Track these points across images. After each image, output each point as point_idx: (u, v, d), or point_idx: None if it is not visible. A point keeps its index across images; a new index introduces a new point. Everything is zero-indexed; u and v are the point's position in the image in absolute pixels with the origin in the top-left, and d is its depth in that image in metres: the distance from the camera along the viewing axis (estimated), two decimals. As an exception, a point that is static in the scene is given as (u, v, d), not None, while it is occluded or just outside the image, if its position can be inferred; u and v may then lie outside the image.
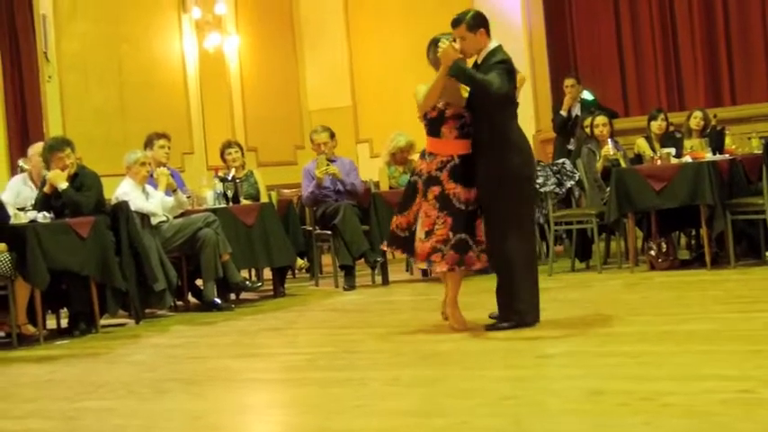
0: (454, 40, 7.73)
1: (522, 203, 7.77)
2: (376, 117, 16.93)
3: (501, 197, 7.64)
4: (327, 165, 11.45)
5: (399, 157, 11.85)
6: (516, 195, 7.69)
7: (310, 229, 11.78)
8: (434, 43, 7.85)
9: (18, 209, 9.58)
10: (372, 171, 13.30)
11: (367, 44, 17.37)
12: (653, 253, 10.64)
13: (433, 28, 15.94)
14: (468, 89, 7.71)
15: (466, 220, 7.65)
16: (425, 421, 5.11)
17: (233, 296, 10.98)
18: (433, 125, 7.84)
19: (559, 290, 9.77)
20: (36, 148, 10.43)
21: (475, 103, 7.73)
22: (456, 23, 7.83)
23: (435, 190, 7.66)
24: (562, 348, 6.79)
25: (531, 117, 16.16)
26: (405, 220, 7.83)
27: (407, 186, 7.99)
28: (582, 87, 13.91)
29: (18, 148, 12.39)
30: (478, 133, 7.75)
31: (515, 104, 7.96)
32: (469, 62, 7.85)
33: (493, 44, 7.83)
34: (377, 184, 12.30)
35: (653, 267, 10.59)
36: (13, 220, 9.25)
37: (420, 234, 7.64)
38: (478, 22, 7.81)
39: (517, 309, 7.64)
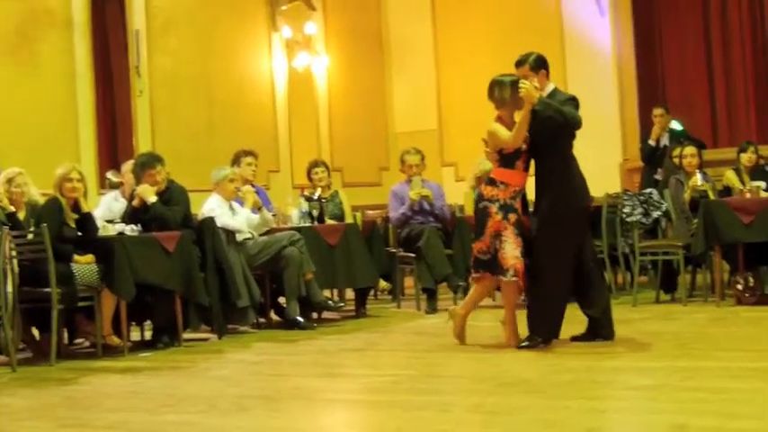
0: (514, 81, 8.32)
1: (575, 236, 8.35)
2: (461, 140, 16.88)
3: (560, 229, 8.22)
4: (422, 188, 11.48)
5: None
6: (573, 229, 8.32)
7: (394, 250, 11.78)
8: (498, 84, 8.40)
9: (106, 221, 9.70)
10: (457, 195, 13.27)
11: (454, 67, 17.36)
12: (739, 287, 10.51)
13: (521, 52, 15.94)
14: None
15: (527, 247, 8.25)
16: (507, 449, 5.08)
17: (315, 315, 11.00)
18: (509, 158, 8.30)
19: (643, 321, 9.67)
20: (129, 165, 10.58)
21: (544, 140, 8.27)
22: (520, 64, 8.44)
23: (513, 217, 8.20)
24: (646, 381, 6.71)
25: (619, 146, 16.07)
26: (483, 244, 8.27)
27: (479, 212, 8.37)
28: (671, 117, 13.79)
29: (108, 162, 12.55)
30: (544, 168, 8.37)
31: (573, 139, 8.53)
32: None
33: (551, 86, 8.41)
34: (461, 208, 12.27)
35: (739, 302, 10.45)
36: (101, 233, 9.37)
37: (515, 253, 8.12)
38: (540, 64, 8.44)
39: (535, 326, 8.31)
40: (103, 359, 9.01)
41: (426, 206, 11.50)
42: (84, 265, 9.11)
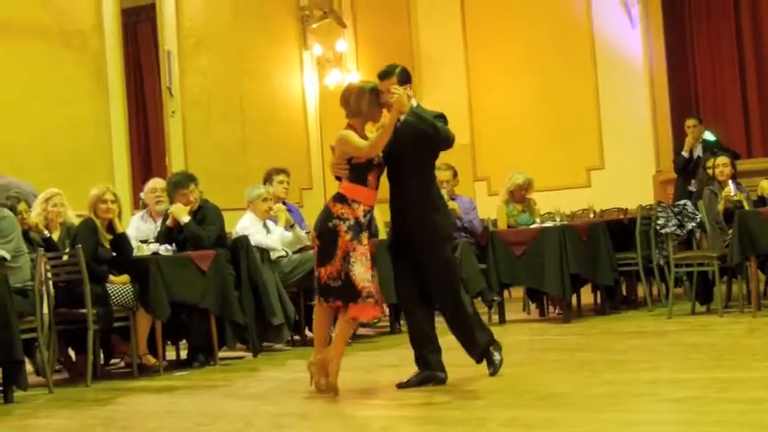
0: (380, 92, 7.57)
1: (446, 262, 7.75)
2: (494, 155, 16.90)
3: (439, 256, 7.63)
4: (448, 201, 11.43)
5: (518, 195, 11.82)
6: (447, 253, 7.75)
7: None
8: (357, 92, 7.60)
9: (141, 241, 9.74)
10: (490, 209, 13.25)
11: (486, 82, 17.36)
12: (776, 297, 10.43)
13: (552, 67, 16.00)
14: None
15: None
16: (544, 463, 5.07)
17: (350, 332, 10.98)
18: (359, 171, 7.48)
19: (680, 333, 9.63)
20: (152, 183, 10.64)
21: (408, 155, 7.52)
22: (386, 75, 7.58)
23: (365, 237, 7.46)
24: (683, 393, 6.67)
25: (652, 157, 16.02)
26: (333, 268, 7.38)
27: (328, 231, 7.43)
28: (704, 128, 13.74)
29: (142, 182, 12.54)
30: (404, 188, 7.57)
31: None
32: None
33: (414, 102, 7.57)
34: (494, 223, 12.26)
35: (776, 312, 10.39)
36: (135, 253, 9.42)
37: (366, 275, 7.39)
38: (407, 77, 7.64)
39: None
40: (139, 379, 9.04)
41: (457, 220, 11.47)
42: (120, 285, 9.16)
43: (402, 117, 7.46)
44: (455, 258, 8.15)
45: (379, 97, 7.52)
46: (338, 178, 7.56)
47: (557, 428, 5.86)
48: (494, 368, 7.66)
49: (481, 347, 7.72)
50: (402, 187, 7.56)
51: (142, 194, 11.11)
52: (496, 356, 7.71)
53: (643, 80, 16.09)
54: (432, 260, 7.56)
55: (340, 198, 7.47)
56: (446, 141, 7.47)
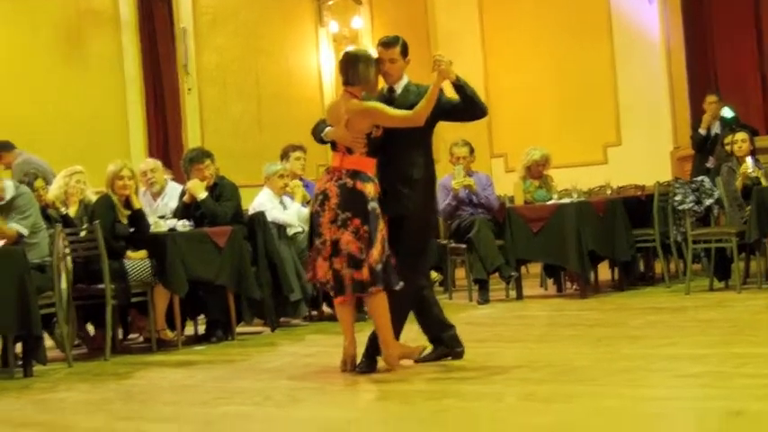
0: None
1: (428, 238, 7.74)
2: (511, 132, 16.88)
3: (427, 232, 7.57)
4: (464, 177, 11.42)
5: (535, 171, 11.80)
6: (429, 231, 7.76)
7: (445, 242, 11.77)
8: (364, 61, 7.30)
9: (158, 217, 9.76)
10: (507, 186, 13.25)
11: (502, 59, 17.33)
12: (794, 273, 10.40)
13: (569, 43, 15.95)
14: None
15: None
16: (562, 437, 5.07)
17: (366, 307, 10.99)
18: (373, 145, 7.24)
19: (697, 309, 9.61)
20: (141, 166, 10.64)
21: (423, 128, 7.27)
22: (390, 45, 7.36)
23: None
24: (701, 368, 6.64)
25: (670, 134, 15.98)
26: (378, 252, 7.06)
27: (373, 216, 7.09)
28: (722, 104, 13.67)
29: (159, 158, 12.57)
30: (410, 165, 7.31)
31: None
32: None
33: (407, 78, 7.44)
34: (511, 199, 12.24)
35: (794, 288, 10.36)
36: (152, 229, 9.44)
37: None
38: (407, 50, 7.43)
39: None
40: (158, 354, 9.08)
41: (473, 197, 11.46)
42: (137, 260, 9.18)
43: (400, 86, 7.36)
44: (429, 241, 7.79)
45: (379, 67, 7.38)
46: (348, 150, 7.23)
47: (574, 403, 5.86)
48: (358, 368, 7.22)
49: (373, 343, 7.30)
50: (404, 161, 7.31)
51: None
52: (368, 365, 7.26)
53: (660, 56, 16.05)
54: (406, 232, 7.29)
55: (365, 177, 7.15)
56: (484, 112, 7.42)
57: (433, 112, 7.17)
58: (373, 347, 7.29)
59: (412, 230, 7.27)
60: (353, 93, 7.28)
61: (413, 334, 7.52)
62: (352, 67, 7.29)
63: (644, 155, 15.76)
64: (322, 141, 7.51)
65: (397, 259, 7.15)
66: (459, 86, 7.26)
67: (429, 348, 7.50)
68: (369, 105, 7.21)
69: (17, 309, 7.99)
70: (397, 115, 7.18)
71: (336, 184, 7.15)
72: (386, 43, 7.39)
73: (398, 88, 7.38)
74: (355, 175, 7.15)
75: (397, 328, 7.32)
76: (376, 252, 7.05)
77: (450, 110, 7.35)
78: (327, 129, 7.37)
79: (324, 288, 7.87)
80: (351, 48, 7.60)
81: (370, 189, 7.14)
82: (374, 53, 7.47)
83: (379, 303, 7.13)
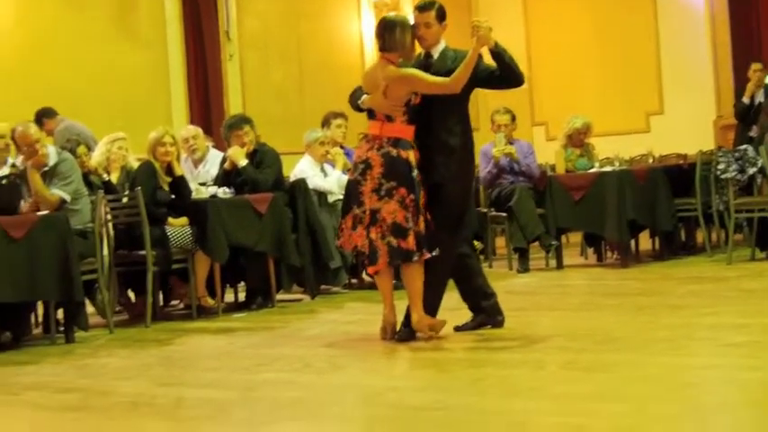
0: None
1: (469, 204, 7.58)
2: (552, 100, 16.80)
3: (465, 200, 7.40)
4: (505, 145, 11.38)
5: (576, 140, 11.73)
6: (469, 196, 7.56)
7: (485, 210, 11.74)
8: (401, 26, 7.19)
9: (199, 184, 9.79)
10: (548, 154, 13.19)
11: (544, 26, 17.23)
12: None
13: (612, 9, 15.82)
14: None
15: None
16: (601, 406, 5.05)
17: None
18: (412, 112, 7.19)
19: (739, 279, 9.55)
20: (182, 133, 10.61)
21: (462, 95, 7.18)
22: (424, 9, 7.23)
23: None
24: (742, 338, 6.60)
25: (713, 103, 15.85)
26: (424, 217, 7.11)
27: (418, 184, 7.10)
28: (767, 73, 13.53)
29: (200, 125, 12.60)
30: (447, 132, 7.23)
31: None
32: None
33: (443, 42, 7.32)
34: (552, 167, 12.19)
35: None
36: (194, 196, 9.46)
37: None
38: (444, 15, 7.28)
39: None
40: (198, 320, 9.13)
41: (514, 165, 11.42)
42: (178, 227, 9.21)
43: (437, 51, 7.27)
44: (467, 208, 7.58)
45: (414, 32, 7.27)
46: (388, 118, 7.18)
47: (615, 372, 5.84)
48: (398, 336, 7.22)
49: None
50: (445, 129, 7.25)
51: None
52: (408, 333, 7.23)
53: (704, 23, 15.89)
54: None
55: (406, 145, 7.11)
56: (521, 81, 7.29)
57: (470, 79, 7.08)
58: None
59: (449, 199, 7.22)
60: (390, 59, 7.21)
61: (452, 302, 7.50)
62: (389, 33, 7.20)
63: (687, 123, 15.65)
64: (359, 109, 7.46)
65: (436, 227, 7.13)
66: (498, 53, 7.15)
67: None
68: (406, 72, 7.14)
69: (59, 275, 8.05)
70: (434, 82, 7.08)
71: (379, 152, 7.11)
72: (421, 7, 7.28)
73: (435, 53, 7.30)
74: (397, 142, 7.11)
75: (437, 297, 7.30)
76: (421, 220, 7.05)
77: (487, 77, 7.25)
78: (364, 96, 7.33)
79: (360, 257, 7.80)
80: (391, 14, 7.46)
81: (412, 157, 7.10)
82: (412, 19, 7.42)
83: (415, 270, 7.12)
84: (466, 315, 7.49)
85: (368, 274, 10.63)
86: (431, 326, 7.21)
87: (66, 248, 8.09)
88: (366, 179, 7.11)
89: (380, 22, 7.43)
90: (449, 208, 7.22)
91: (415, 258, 7.05)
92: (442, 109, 7.21)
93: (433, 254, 7.08)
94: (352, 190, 7.24)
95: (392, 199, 7.03)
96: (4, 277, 7.77)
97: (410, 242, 7.01)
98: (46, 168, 8.58)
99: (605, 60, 16.55)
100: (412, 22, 7.32)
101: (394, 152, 7.08)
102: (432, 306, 7.26)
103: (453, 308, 7.48)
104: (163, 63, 13.83)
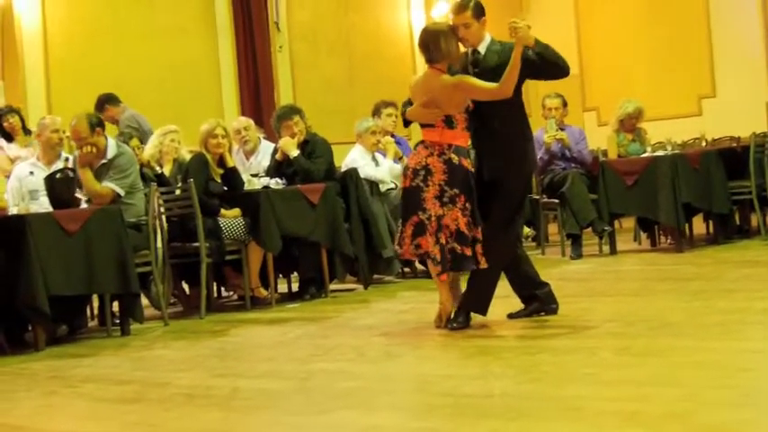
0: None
1: (523, 199, 7.48)
2: (603, 85, 16.73)
3: (523, 196, 7.43)
4: (557, 131, 11.33)
5: (628, 124, 11.66)
6: (522, 192, 7.42)
7: (537, 197, 11.71)
8: (443, 35, 7.18)
9: (251, 175, 9.83)
10: (600, 140, 13.13)
11: (594, 10, 17.16)
12: None
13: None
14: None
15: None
16: (656, 390, 5.03)
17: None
18: (470, 120, 7.26)
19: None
20: (234, 125, 10.65)
21: (515, 92, 7.14)
22: (460, 10, 7.21)
23: None
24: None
25: (765, 84, 15.71)
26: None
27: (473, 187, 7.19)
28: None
29: (251, 117, 12.67)
30: (504, 125, 7.22)
31: None
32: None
33: (488, 37, 7.28)
34: (604, 153, 12.14)
35: None
36: (246, 187, 9.50)
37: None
38: (481, 11, 7.26)
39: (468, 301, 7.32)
40: (252, 311, 9.17)
41: (566, 151, 11.38)
42: (231, 219, 9.25)
43: (484, 47, 7.24)
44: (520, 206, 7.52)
45: (456, 35, 7.27)
46: (448, 125, 7.17)
47: (670, 357, 5.81)
48: (452, 324, 7.23)
49: (463, 306, 7.33)
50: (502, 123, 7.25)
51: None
52: (458, 321, 7.28)
53: (756, 4, 15.74)
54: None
55: (464, 152, 7.20)
56: (567, 71, 7.21)
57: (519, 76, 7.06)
58: (467, 303, 7.29)
59: (507, 193, 7.23)
60: (440, 69, 7.22)
61: (501, 290, 7.48)
62: (434, 44, 7.19)
63: (739, 106, 15.52)
64: (407, 122, 7.51)
65: (492, 222, 7.15)
66: (539, 52, 7.06)
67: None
68: (460, 79, 7.15)
69: (114, 268, 8.12)
70: (486, 88, 7.07)
71: (441, 159, 7.13)
72: (456, 9, 7.27)
73: (482, 49, 7.27)
74: (458, 150, 7.16)
75: (489, 293, 7.31)
76: (478, 230, 7.09)
77: (534, 72, 7.20)
78: (408, 108, 7.37)
79: (428, 261, 7.72)
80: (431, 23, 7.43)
81: (469, 165, 7.18)
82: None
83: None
84: (518, 302, 7.49)
85: (422, 263, 10.69)
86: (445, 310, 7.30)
87: (121, 241, 8.15)
88: (428, 185, 7.13)
89: (423, 34, 7.37)
90: (507, 202, 7.24)
91: (474, 267, 7.11)
92: (497, 106, 7.15)
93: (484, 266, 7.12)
94: (412, 197, 7.23)
95: (455, 206, 7.07)
96: (59, 270, 7.83)
97: (469, 250, 7.05)
98: (104, 161, 8.65)
99: (656, 44, 16.45)
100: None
101: (456, 159, 7.13)
102: (483, 301, 7.28)
103: (505, 295, 7.47)
104: (213, 55, 13.91)
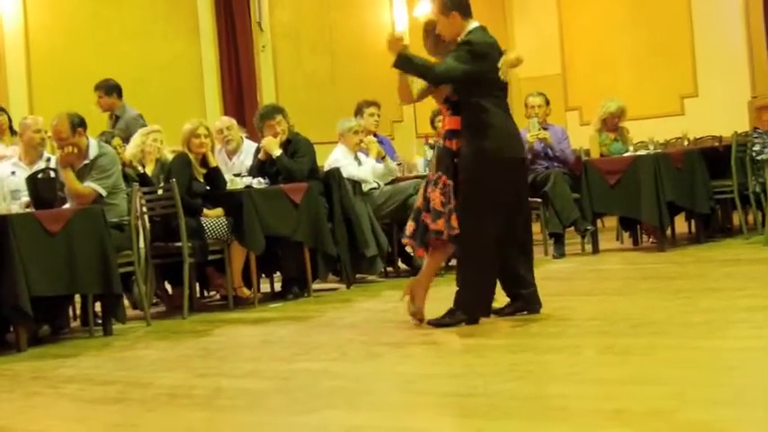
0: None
1: (494, 188, 7.23)
2: (586, 84, 16.74)
3: (473, 179, 7.21)
4: (539, 130, 11.34)
5: (611, 124, 11.68)
6: (486, 179, 7.20)
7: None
8: (425, 34, 7.57)
9: (234, 175, 9.81)
10: (582, 139, 13.14)
11: (577, 10, 17.18)
12: None
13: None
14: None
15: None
16: (641, 389, 5.03)
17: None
18: (455, 107, 7.37)
19: (776, 261, 9.51)
20: (216, 124, 10.64)
21: (459, 88, 7.32)
22: (431, 6, 7.51)
23: None
24: (781, 319, 6.59)
25: (747, 83, 15.76)
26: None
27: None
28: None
29: (234, 117, 12.65)
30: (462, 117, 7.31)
31: (496, 86, 7.33)
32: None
33: (472, 25, 7.33)
34: (587, 152, 12.15)
35: None
36: (228, 186, 9.49)
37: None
38: (452, 5, 7.30)
39: (460, 299, 7.27)
40: (235, 311, 9.15)
41: (549, 150, 11.39)
42: (214, 218, 9.23)
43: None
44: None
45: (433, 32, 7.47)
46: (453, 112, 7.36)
47: (652, 356, 5.82)
48: (446, 322, 7.23)
49: (458, 305, 7.30)
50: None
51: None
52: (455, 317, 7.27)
53: (738, 4, 15.79)
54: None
55: (453, 134, 7.34)
56: (432, 78, 7.35)
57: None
58: (463, 304, 7.29)
59: (465, 182, 7.25)
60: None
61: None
62: (424, 41, 7.55)
63: (721, 105, 15.57)
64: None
65: (460, 214, 7.21)
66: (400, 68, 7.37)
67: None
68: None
69: (96, 268, 8.09)
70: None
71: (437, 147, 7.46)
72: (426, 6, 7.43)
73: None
74: (447, 134, 7.35)
75: (487, 294, 7.34)
76: (453, 204, 7.16)
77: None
78: None
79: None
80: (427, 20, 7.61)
81: (455, 145, 7.26)
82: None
83: (437, 254, 7.42)
84: (502, 300, 7.49)
85: (405, 262, 10.70)
86: (414, 313, 7.40)
87: (103, 241, 8.13)
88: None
89: (428, 32, 7.59)
90: (467, 191, 7.23)
91: (442, 238, 7.19)
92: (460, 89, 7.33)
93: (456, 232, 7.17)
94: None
95: (437, 187, 7.21)
96: (41, 271, 7.79)
97: (439, 224, 7.15)
98: (86, 161, 8.62)
99: (638, 43, 16.49)
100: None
101: (442, 143, 7.35)
102: (480, 302, 7.32)
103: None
104: (196, 55, 13.89)
